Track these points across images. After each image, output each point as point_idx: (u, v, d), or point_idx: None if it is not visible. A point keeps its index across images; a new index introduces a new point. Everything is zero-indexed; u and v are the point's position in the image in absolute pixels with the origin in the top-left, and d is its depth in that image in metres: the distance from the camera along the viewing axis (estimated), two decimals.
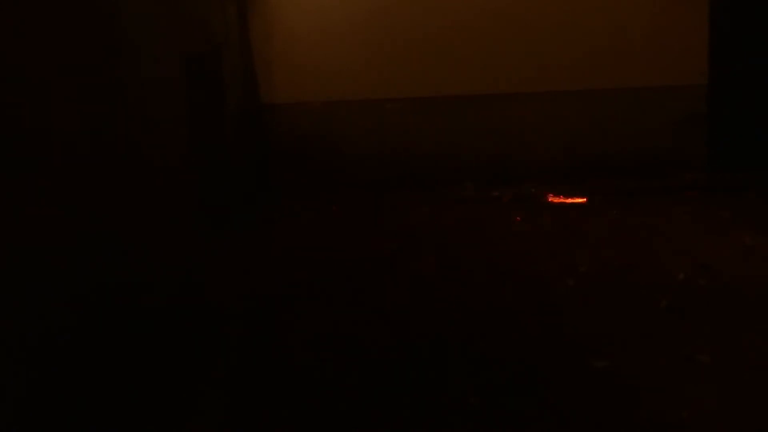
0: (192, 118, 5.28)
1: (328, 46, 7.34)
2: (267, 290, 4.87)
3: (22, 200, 2.78)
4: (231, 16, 6.77)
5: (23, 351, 2.74)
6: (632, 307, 4.38)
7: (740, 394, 3.43)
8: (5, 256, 2.63)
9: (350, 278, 5.00)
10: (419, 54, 7.35)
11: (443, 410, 3.40)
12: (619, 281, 4.78)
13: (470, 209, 6.48)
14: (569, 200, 6.64)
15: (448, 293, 4.72)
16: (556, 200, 6.67)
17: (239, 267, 5.27)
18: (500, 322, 4.29)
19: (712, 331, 4.01)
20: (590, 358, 3.77)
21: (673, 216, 6.04)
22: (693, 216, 6.03)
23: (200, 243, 5.24)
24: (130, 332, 3.69)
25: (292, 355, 3.96)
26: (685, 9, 7.21)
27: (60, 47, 3.15)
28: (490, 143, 7.41)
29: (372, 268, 5.18)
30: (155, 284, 4.12)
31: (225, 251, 5.49)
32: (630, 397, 3.44)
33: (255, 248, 5.74)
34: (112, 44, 3.70)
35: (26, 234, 2.80)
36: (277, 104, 7.48)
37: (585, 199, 6.63)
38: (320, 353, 3.96)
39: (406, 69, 7.37)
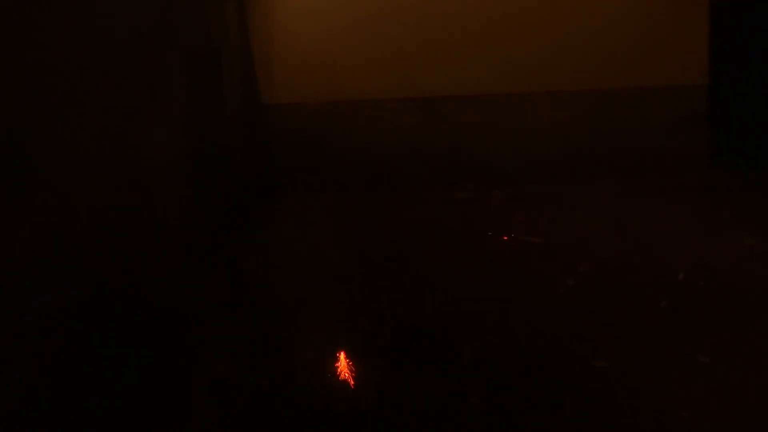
0: (191, 119, 5.28)
1: (328, 45, 7.33)
2: (260, 291, 4.87)
3: (17, 203, 2.77)
4: (231, 16, 6.77)
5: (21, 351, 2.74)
6: (632, 307, 4.38)
7: (740, 394, 3.43)
8: (8, 258, 2.63)
9: (350, 279, 5.00)
10: (419, 54, 7.34)
11: (442, 410, 3.41)
12: (619, 281, 4.77)
13: (470, 209, 6.48)
14: (569, 200, 6.64)
15: (448, 293, 4.72)
16: (556, 200, 6.66)
17: (235, 268, 5.27)
18: (500, 321, 4.28)
19: (712, 331, 4.01)
20: (590, 358, 3.77)
21: (673, 216, 6.03)
22: (693, 216, 6.03)
23: (197, 242, 5.23)
24: (125, 334, 3.68)
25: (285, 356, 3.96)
26: (685, 8, 7.20)
27: (58, 47, 3.15)
28: (489, 143, 7.40)
29: (372, 269, 5.17)
30: (149, 283, 4.12)
31: (222, 252, 5.48)
32: (630, 397, 3.44)
33: (252, 248, 5.73)
34: (110, 44, 3.70)
35: (24, 237, 2.80)
36: (277, 104, 7.47)
37: (585, 199, 6.63)
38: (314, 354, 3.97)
39: (406, 69, 7.36)
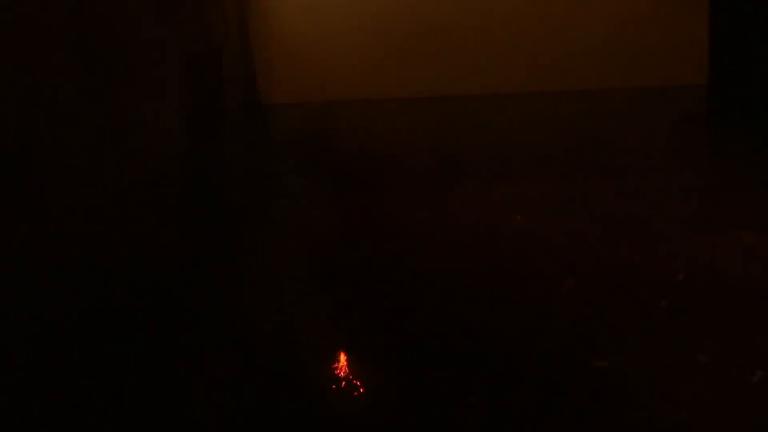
0: (191, 119, 5.29)
1: (327, 46, 7.35)
2: (256, 290, 4.87)
3: (20, 202, 2.78)
4: (231, 16, 6.77)
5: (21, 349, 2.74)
6: (632, 307, 4.38)
7: (740, 394, 3.43)
8: (10, 257, 2.64)
9: (347, 279, 5.00)
10: (419, 54, 7.35)
11: (443, 410, 3.41)
12: (619, 281, 4.77)
13: (470, 209, 6.48)
14: (568, 200, 6.64)
15: (447, 293, 4.72)
16: (555, 200, 6.66)
17: (231, 268, 5.27)
18: (499, 321, 4.28)
19: (712, 331, 4.01)
20: (590, 358, 3.77)
21: (673, 215, 6.03)
22: (693, 215, 6.03)
23: (195, 243, 5.24)
24: (126, 331, 3.69)
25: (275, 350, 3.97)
26: (684, 8, 7.21)
27: (59, 47, 3.16)
28: (489, 143, 7.41)
29: (369, 268, 5.17)
30: (148, 280, 4.12)
31: (220, 252, 5.48)
32: (630, 397, 3.44)
33: (251, 249, 5.74)
34: (111, 44, 3.71)
35: (26, 235, 2.80)
36: (277, 104, 7.48)
37: (585, 199, 6.63)
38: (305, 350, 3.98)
39: (406, 69, 7.37)
